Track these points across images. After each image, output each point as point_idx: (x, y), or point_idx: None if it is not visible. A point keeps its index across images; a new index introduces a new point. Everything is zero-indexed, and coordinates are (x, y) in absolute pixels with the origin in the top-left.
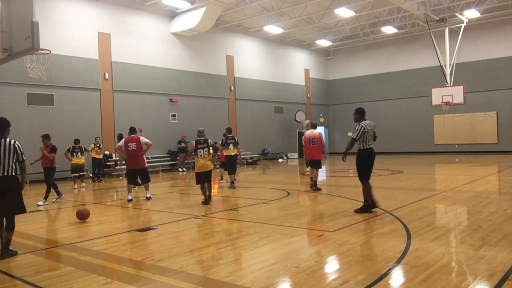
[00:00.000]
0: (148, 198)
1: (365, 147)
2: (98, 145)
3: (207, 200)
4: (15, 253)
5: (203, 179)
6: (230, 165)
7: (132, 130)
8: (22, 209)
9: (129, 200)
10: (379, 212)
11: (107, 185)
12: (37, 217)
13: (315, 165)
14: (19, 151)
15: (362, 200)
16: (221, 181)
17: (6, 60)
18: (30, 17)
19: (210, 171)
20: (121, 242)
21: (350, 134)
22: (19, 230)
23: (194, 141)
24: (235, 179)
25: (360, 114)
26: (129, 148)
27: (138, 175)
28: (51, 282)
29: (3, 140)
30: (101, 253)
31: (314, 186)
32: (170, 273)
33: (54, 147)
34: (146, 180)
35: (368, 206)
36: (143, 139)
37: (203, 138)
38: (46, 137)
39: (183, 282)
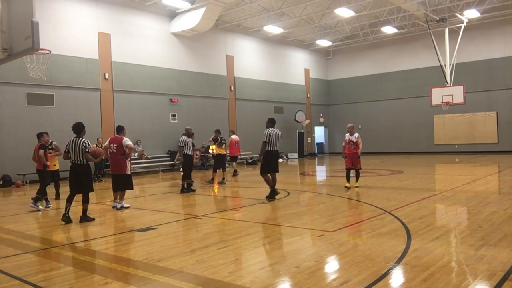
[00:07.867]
0: (115, 208)
1: (270, 149)
2: (100, 146)
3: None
4: (92, 219)
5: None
6: (221, 163)
7: (119, 130)
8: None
9: (114, 207)
10: (379, 212)
11: (107, 185)
12: (37, 217)
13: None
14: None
15: (362, 200)
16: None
17: (6, 60)
18: (30, 17)
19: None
20: (121, 242)
21: None
22: (19, 230)
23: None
24: (224, 178)
25: (271, 122)
26: (110, 150)
27: (120, 182)
28: (51, 282)
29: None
30: (101, 253)
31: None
32: (170, 273)
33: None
34: (126, 187)
35: (274, 191)
36: (125, 141)
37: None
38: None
39: (183, 282)
